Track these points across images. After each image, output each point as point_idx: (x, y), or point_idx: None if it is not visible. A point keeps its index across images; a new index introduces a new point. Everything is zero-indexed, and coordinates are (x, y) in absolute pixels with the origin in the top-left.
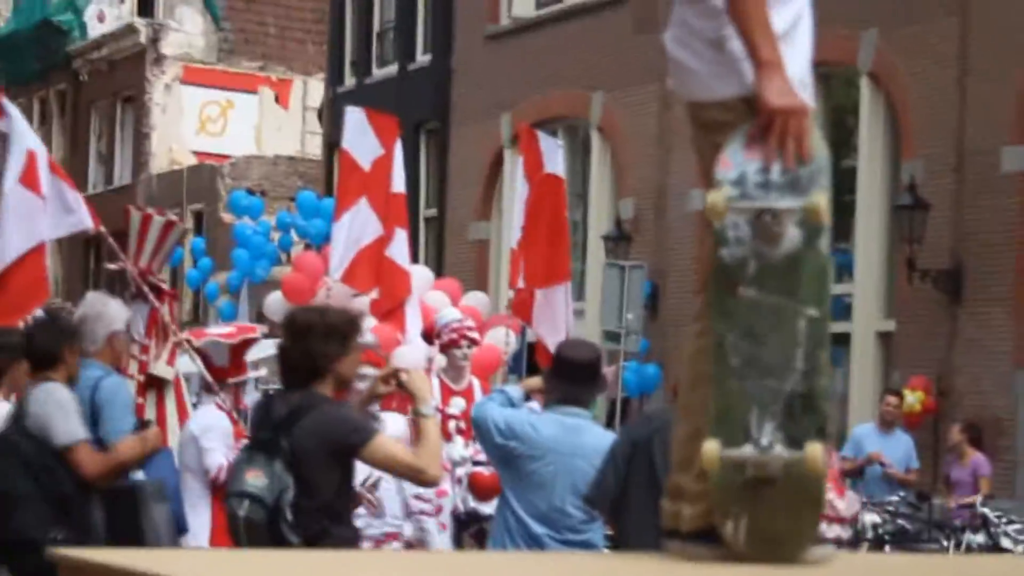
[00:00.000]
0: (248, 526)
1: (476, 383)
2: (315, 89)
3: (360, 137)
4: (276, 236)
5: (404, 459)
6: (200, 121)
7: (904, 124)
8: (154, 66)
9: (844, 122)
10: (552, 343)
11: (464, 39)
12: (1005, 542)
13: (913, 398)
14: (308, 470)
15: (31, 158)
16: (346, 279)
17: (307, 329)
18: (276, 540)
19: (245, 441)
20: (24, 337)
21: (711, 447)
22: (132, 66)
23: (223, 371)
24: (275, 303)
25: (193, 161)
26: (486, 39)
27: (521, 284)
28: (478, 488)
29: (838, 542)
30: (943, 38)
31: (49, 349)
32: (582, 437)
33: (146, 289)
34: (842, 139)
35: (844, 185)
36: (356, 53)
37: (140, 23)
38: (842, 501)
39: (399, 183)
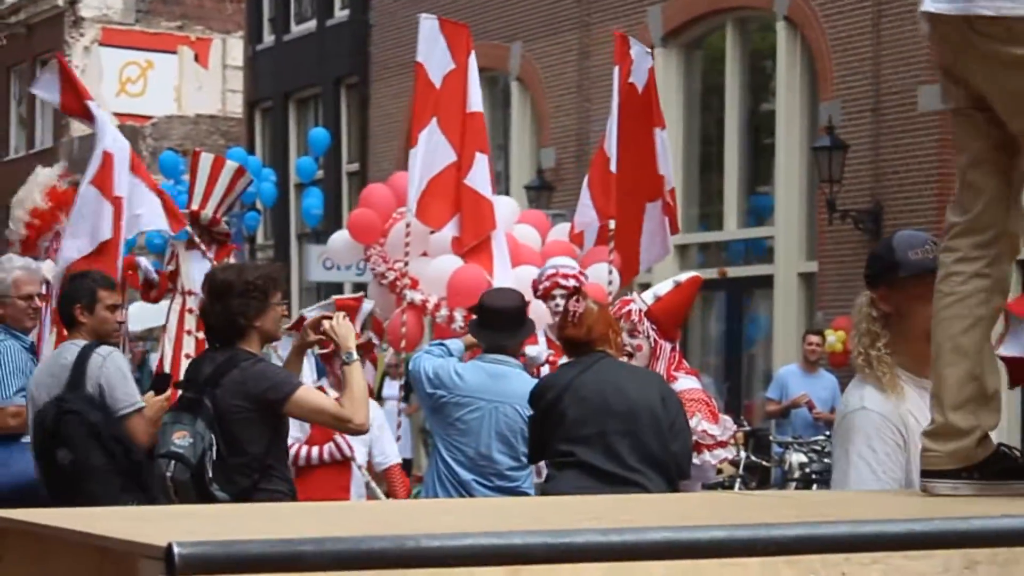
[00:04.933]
0: (176, 485)
1: None
2: (234, 47)
3: (433, 49)
4: None
5: (330, 409)
6: (120, 82)
7: (821, 66)
8: (72, 28)
9: (762, 66)
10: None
11: None
12: None
13: (834, 338)
14: (234, 427)
15: (106, 159)
16: (419, 213)
17: (226, 288)
18: (203, 497)
19: None
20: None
21: None
22: (50, 29)
23: None
24: (339, 243)
25: (114, 123)
26: None
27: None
28: None
29: (733, 463)
30: None
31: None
32: (507, 384)
33: (198, 240)
34: (760, 83)
35: (763, 128)
36: (274, 10)
37: None
38: (717, 427)
39: (476, 101)
